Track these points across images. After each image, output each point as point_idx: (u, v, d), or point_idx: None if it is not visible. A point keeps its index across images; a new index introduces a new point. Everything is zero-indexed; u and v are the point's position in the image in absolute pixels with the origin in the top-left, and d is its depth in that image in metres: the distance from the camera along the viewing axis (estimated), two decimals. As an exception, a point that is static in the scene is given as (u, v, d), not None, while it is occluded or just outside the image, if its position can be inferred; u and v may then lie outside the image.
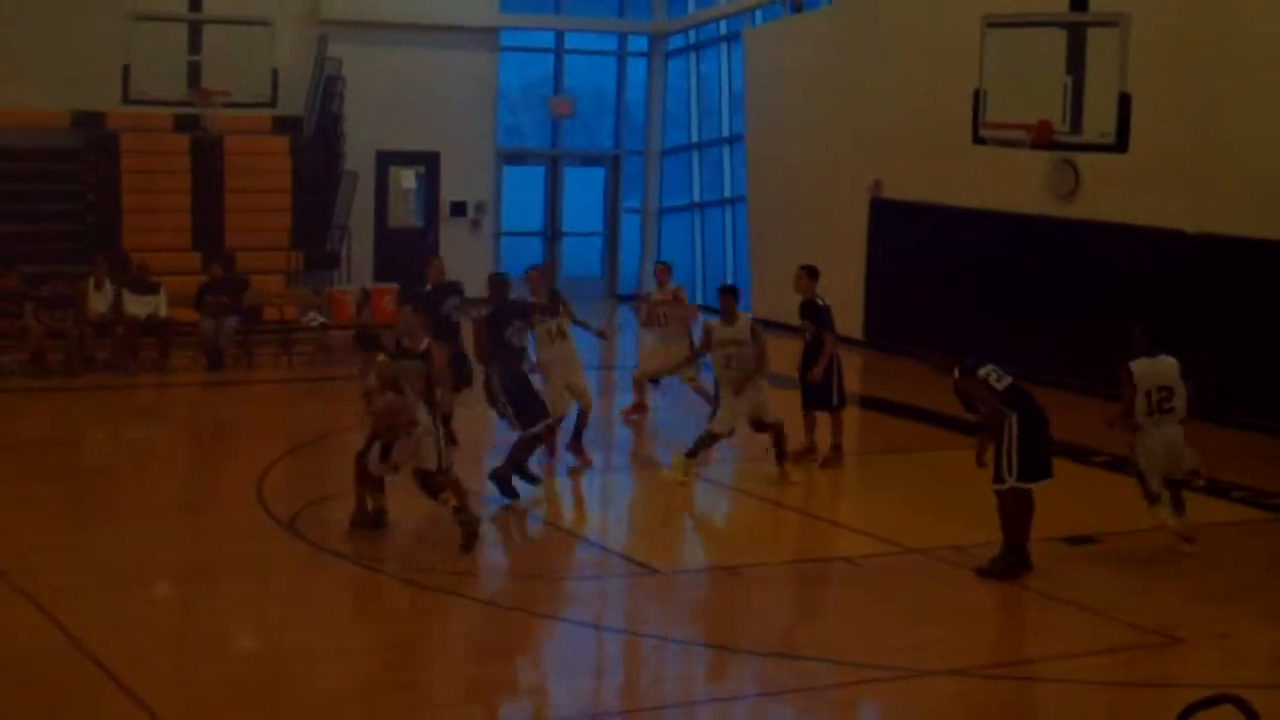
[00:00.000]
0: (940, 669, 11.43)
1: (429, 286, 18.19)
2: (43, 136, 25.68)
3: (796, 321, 17.67)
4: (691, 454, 16.38)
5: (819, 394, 17.28)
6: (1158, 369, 14.34)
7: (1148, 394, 14.26)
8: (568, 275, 31.12)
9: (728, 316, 16.61)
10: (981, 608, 13.23)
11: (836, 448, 17.22)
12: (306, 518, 14.55)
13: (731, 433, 16.62)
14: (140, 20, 23.20)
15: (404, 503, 14.30)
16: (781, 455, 16.51)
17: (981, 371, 13.64)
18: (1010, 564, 13.50)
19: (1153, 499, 14.38)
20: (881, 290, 25.49)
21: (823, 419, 17.40)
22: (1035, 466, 13.51)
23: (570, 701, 10.93)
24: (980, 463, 13.74)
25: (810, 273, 17.55)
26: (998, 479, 13.51)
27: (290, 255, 25.44)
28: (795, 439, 17.00)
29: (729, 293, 16.89)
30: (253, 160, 26.60)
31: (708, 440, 16.47)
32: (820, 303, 17.36)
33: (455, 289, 18.40)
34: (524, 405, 15.72)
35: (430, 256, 19.40)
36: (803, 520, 15.67)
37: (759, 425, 16.54)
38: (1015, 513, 13.53)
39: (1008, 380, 13.65)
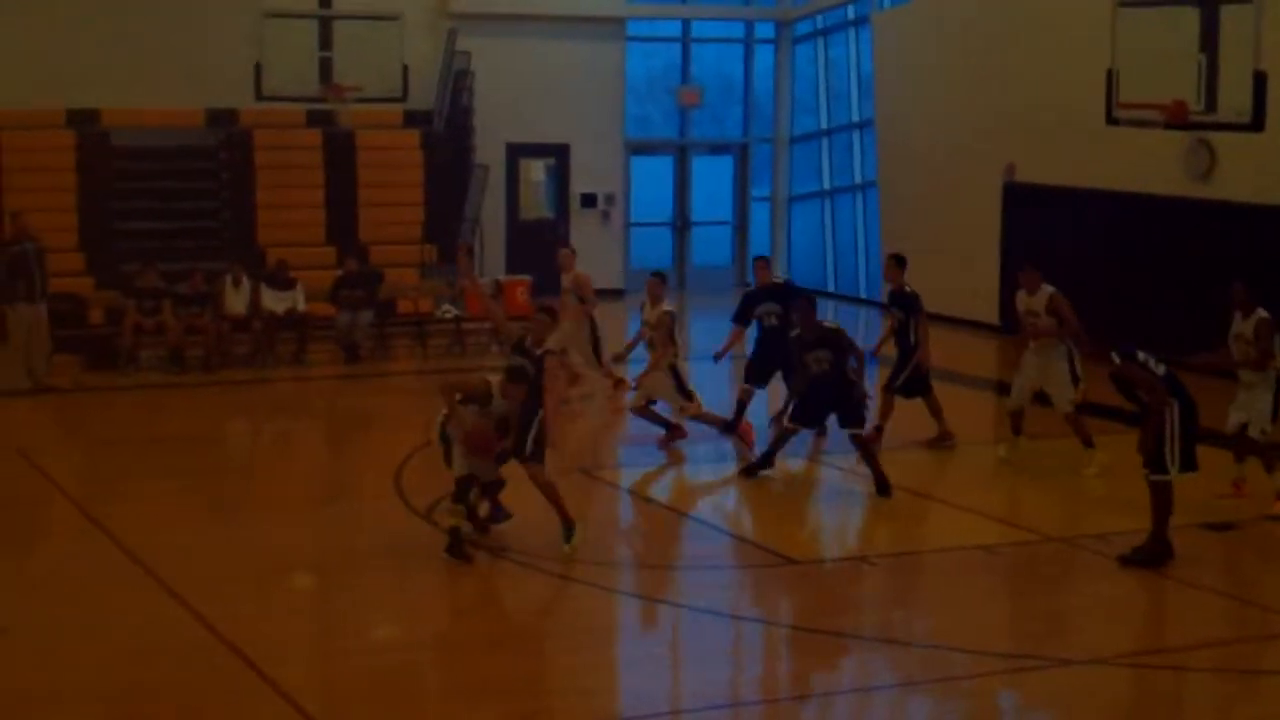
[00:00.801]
0: (1082, 658, 11.33)
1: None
2: (178, 135, 26.03)
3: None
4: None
5: (918, 381, 17.51)
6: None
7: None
8: (698, 264, 31.18)
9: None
10: (1123, 596, 13.08)
11: (878, 428, 17.30)
12: (441, 512, 14.63)
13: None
14: (272, 17, 23.53)
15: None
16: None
17: (1141, 357, 13.44)
18: (1155, 553, 13.32)
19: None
20: (1016, 274, 25.20)
21: (917, 404, 17.62)
22: (1191, 456, 13.32)
23: (707, 691, 10.93)
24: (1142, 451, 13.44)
25: (898, 261, 17.61)
26: (1159, 468, 13.25)
27: (423, 248, 25.62)
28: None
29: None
30: (385, 155, 26.82)
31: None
32: (908, 290, 17.53)
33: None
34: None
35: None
36: (939, 508, 15.56)
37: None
38: (1166, 502, 13.33)
39: (1163, 367, 13.46)
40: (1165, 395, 13.16)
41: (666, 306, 17.83)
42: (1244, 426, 14.98)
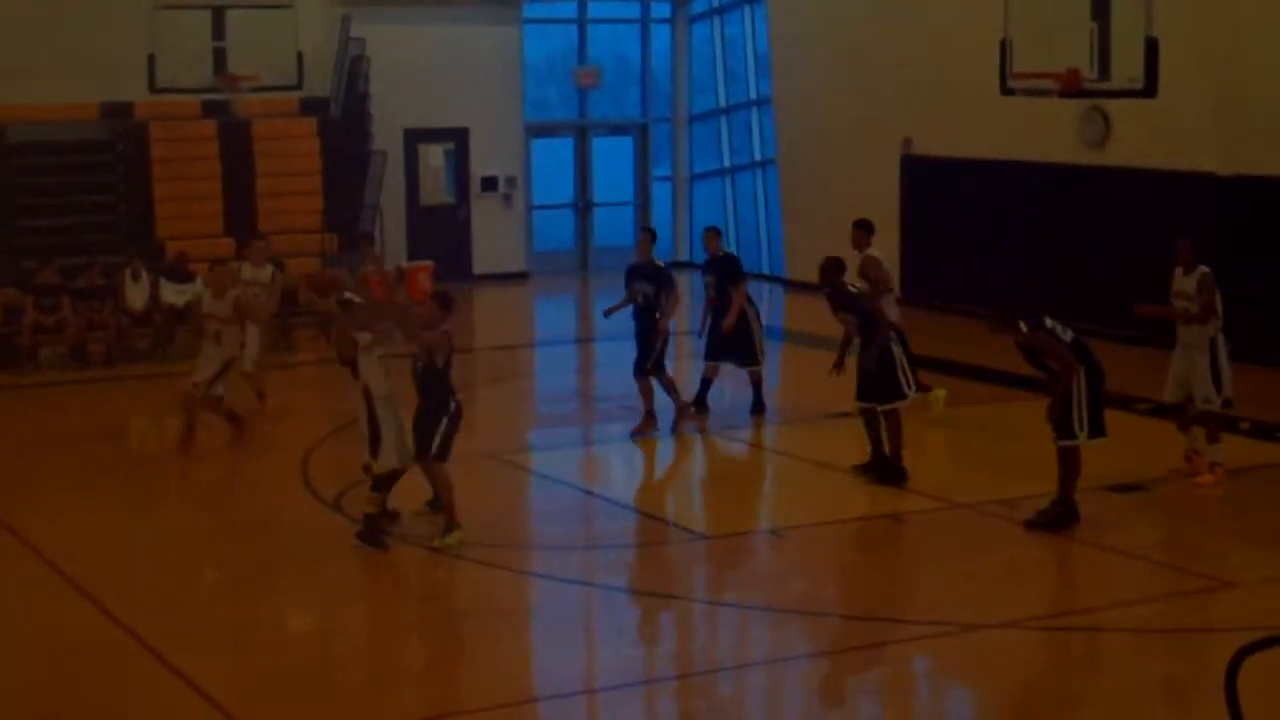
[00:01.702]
0: (993, 622, 11.43)
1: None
2: (73, 130, 25.69)
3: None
4: None
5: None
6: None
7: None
8: (601, 245, 31.14)
9: None
10: (1031, 560, 13.21)
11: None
12: (352, 497, 14.58)
13: None
14: (165, 9, 23.26)
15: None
16: None
17: (1048, 324, 13.55)
18: (1060, 516, 13.47)
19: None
20: (916, 247, 25.41)
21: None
22: (1099, 422, 13.46)
23: (623, 668, 10.96)
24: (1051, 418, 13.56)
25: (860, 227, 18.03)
26: (1067, 434, 13.38)
27: (324, 237, 25.47)
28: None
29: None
30: (282, 144, 26.61)
31: None
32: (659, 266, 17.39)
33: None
34: None
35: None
36: (846, 479, 15.64)
37: None
38: (1073, 467, 13.48)
39: (1070, 333, 13.58)
40: (1073, 362, 13.29)
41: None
42: (1189, 399, 15.03)
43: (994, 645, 11.15)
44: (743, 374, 17.90)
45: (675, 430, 16.91)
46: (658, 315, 16.84)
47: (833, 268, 15.41)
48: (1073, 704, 10.24)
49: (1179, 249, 15.15)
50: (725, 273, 17.64)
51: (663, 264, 17.22)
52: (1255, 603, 11.70)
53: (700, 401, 17.69)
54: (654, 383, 16.97)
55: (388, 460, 13.24)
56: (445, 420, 13.09)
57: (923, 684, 10.94)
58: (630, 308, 17.15)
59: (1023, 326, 13.44)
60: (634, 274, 17.25)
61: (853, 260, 16.91)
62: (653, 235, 17.62)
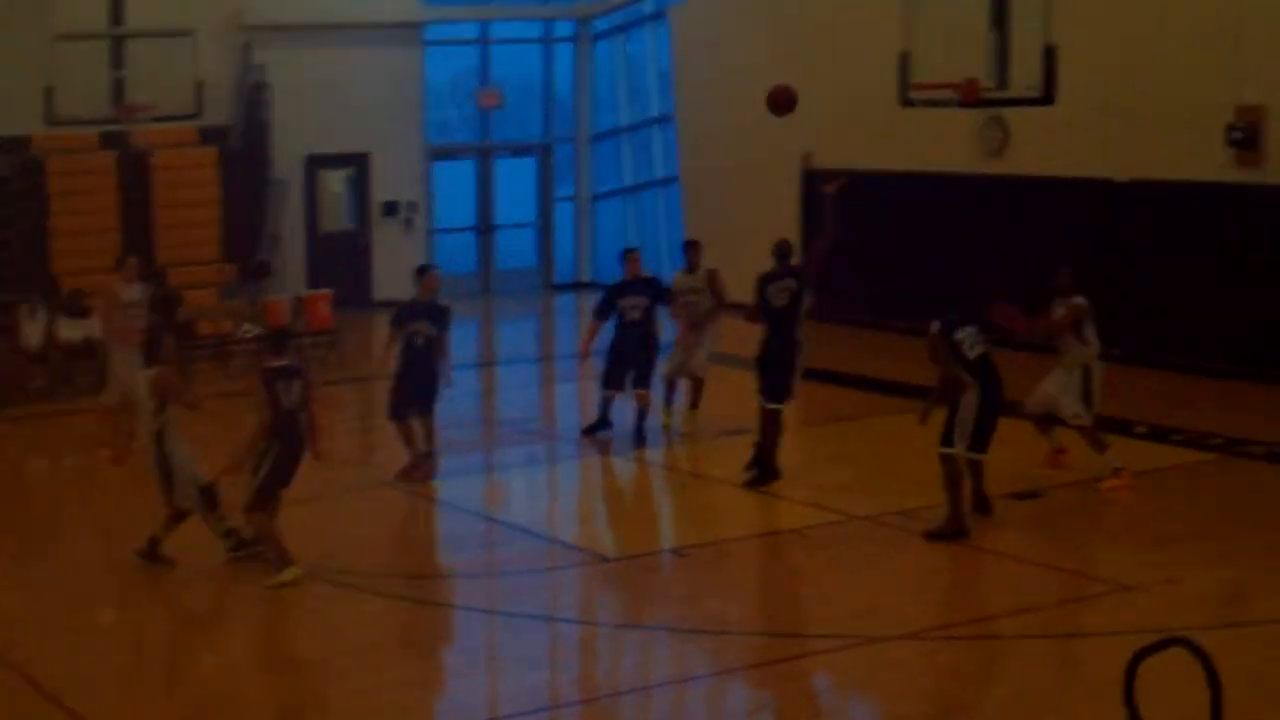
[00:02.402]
0: (895, 634, 11.43)
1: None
2: (-34, 164, 25.40)
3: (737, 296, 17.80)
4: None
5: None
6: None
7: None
8: (503, 267, 31.03)
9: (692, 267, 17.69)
10: (932, 570, 13.24)
11: None
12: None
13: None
14: (62, 40, 23.02)
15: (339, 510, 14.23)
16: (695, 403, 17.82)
17: (959, 334, 13.63)
18: (959, 526, 13.50)
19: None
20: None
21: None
22: (982, 440, 13.57)
23: (526, 695, 10.87)
24: (923, 421, 13.74)
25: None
26: (947, 442, 13.49)
27: (223, 267, 25.26)
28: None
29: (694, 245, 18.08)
30: (181, 174, 26.34)
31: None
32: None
33: None
34: None
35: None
36: (744, 495, 15.60)
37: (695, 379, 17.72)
38: (953, 477, 13.55)
39: (979, 350, 13.65)
40: (960, 376, 13.37)
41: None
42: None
43: (896, 657, 11.15)
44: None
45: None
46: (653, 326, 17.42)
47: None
48: (972, 712, 10.23)
49: (1060, 278, 15.39)
50: (656, 293, 17.60)
51: (652, 275, 17.41)
52: (1153, 606, 11.77)
53: (605, 424, 17.58)
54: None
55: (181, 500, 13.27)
56: (266, 465, 12.99)
57: (826, 699, 10.91)
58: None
59: (933, 327, 13.65)
60: (622, 291, 17.48)
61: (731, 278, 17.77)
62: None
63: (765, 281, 15.60)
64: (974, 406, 13.45)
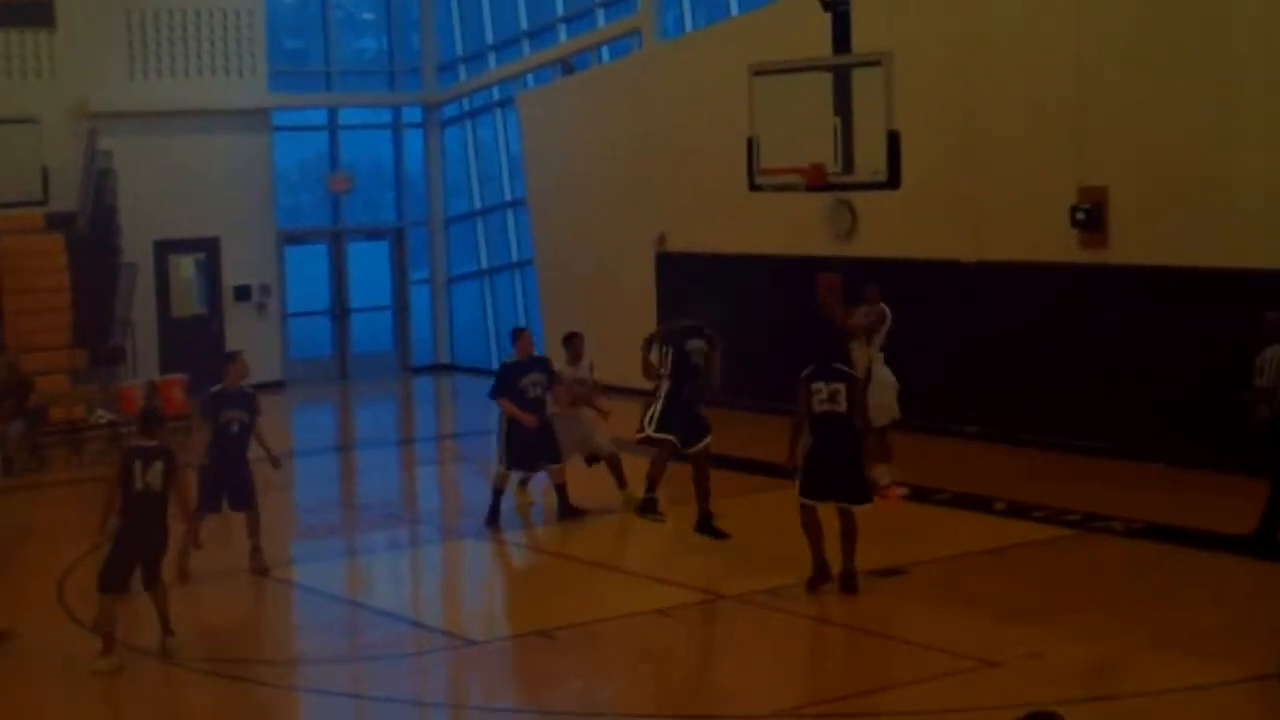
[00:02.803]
0: (762, 713, 11.47)
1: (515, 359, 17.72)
2: None
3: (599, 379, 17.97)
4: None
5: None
6: None
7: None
8: (359, 351, 30.92)
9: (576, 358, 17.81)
10: (798, 647, 13.33)
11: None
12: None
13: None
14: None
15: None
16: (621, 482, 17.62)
17: (815, 385, 14.23)
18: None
19: None
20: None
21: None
22: (815, 488, 14.23)
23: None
24: (789, 461, 14.46)
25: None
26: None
27: (73, 353, 24.93)
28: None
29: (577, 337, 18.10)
30: (28, 260, 26.00)
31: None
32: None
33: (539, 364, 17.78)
34: None
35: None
36: (609, 575, 15.64)
37: (591, 459, 17.66)
38: (805, 525, 14.27)
39: (825, 408, 14.16)
40: (801, 424, 14.38)
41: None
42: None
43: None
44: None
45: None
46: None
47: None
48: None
49: (869, 293, 17.85)
50: (549, 371, 17.53)
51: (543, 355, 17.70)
52: (1018, 680, 11.90)
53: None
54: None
55: None
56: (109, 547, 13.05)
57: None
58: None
59: (807, 369, 14.46)
60: (521, 370, 17.38)
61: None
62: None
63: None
64: (806, 458, 14.35)
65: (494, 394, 17.49)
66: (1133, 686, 11.91)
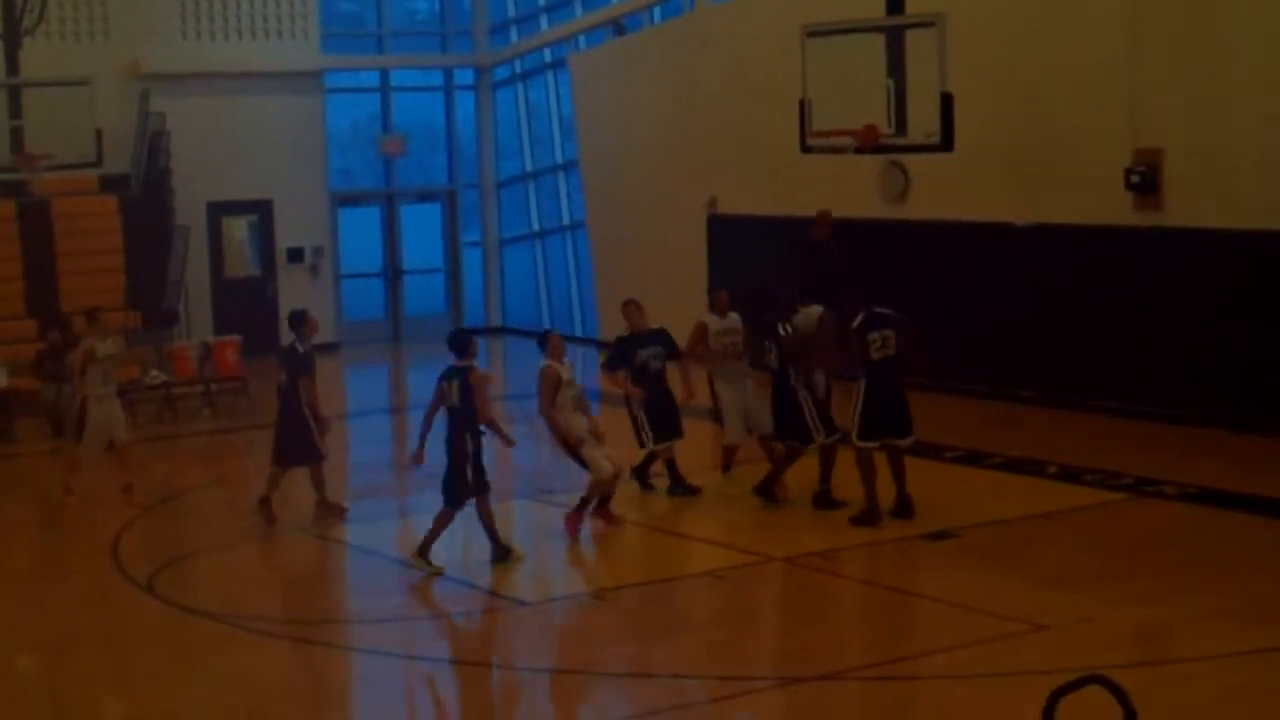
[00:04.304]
0: (811, 675, 11.50)
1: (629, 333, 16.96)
2: None
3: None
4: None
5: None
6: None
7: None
8: (411, 314, 31.00)
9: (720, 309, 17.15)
10: (849, 611, 13.34)
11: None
12: (164, 578, 14.36)
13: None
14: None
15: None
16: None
17: (870, 336, 15.18)
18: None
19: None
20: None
21: None
22: (874, 428, 15.16)
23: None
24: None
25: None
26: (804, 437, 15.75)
27: (127, 314, 25.09)
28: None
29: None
30: (82, 221, 26.24)
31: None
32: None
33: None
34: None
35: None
36: (662, 538, 15.68)
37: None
38: (862, 466, 15.20)
39: (881, 354, 15.16)
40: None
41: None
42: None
43: (814, 698, 11.22)
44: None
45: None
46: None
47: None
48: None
49: (718, 300, 16.95)
50: (669, 345, 16.85)
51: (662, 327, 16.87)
52: (1068, 644, 11.87)
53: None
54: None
55: None
56: None
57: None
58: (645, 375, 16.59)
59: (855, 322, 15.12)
60: (634, 343, 16.69)
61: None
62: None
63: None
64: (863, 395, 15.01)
65: (610, 367, 16.94)
66: (1184, 651, 11.86)
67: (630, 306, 17.01)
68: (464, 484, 14.53)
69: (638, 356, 16.60)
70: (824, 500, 15.77)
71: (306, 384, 16.32)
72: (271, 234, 29.19)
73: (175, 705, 11.76)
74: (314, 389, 16.44)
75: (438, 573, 14.33)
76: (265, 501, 16.23)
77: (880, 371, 15.02)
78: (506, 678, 12.26)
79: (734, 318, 16.96)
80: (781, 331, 15.94)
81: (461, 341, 14.99)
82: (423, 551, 14.51)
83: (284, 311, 28.63)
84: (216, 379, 23.26)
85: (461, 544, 16.49)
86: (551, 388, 15.19)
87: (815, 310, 16.47)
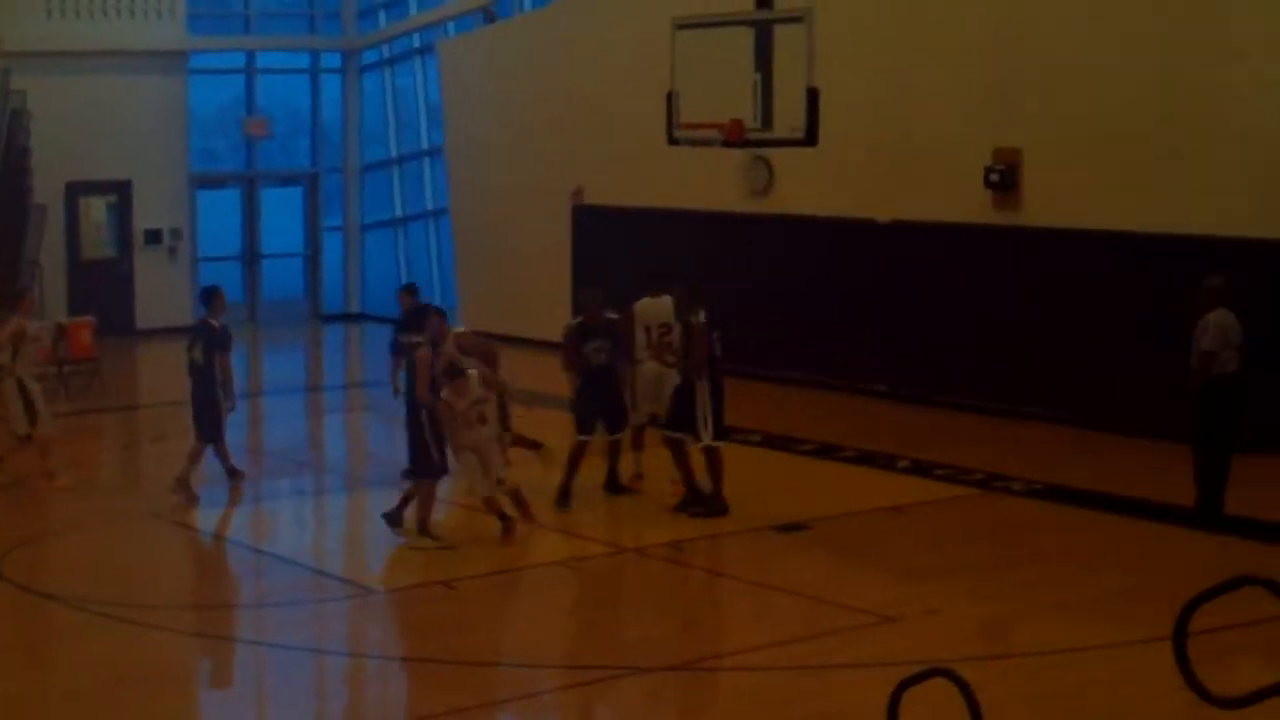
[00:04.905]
0: (662, 665, 11.51)
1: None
2: None
3: (502, 333, 17.59)
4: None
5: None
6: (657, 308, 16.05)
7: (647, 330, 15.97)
8: (269, 298, 30.73)
9: None
10: (699, 602, 13.38)
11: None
12: (12, 561, 14.13)
13: None
14: None
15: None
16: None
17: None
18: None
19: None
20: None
21: None
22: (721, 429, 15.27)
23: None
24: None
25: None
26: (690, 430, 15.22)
27: (-19, 294, 24.66)
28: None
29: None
30: (-64, 199, 25.77)
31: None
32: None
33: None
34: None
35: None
36: (520, 527, 15.65)
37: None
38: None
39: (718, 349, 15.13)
40: (703, 365, 15.10)
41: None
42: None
43: (662, 687, 11.24)
44: None
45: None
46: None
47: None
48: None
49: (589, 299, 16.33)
50: (617, 337, 16.29)
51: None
52: (915, 636, 12.00)
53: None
54: None
55: None
56: None
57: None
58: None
59: (700, 316, 14.92)
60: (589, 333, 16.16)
61: (499, 316, 16.95)
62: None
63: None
64: (708, 400, 14.93)
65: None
66: (1028, 645, 12.00)
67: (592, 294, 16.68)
68: (429, 457, 14.58)
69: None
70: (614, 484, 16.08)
71: (223, 359, 16.30)
72: (130, 215, 28.81)
73: (20, 688, 11.57)
74: (229, 365, 16.40)
75: (449, 548, 14.40)
76: (183, 482, 16.12)
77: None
78: (355, 665, 12.18)
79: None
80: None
81: (415, 317, 15.40)
82: (422, 530, 14.56)
83: (140, 294, 28.54)
84: (70, 360, 22.90)
85: (312, 530, 16.42)
86: (425, 371, 14.87)
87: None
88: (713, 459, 15.23)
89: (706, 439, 15.17)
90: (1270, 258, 17.57)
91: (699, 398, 15.17)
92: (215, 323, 16.46)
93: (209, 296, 16.71)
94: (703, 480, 15.30)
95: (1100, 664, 11.37)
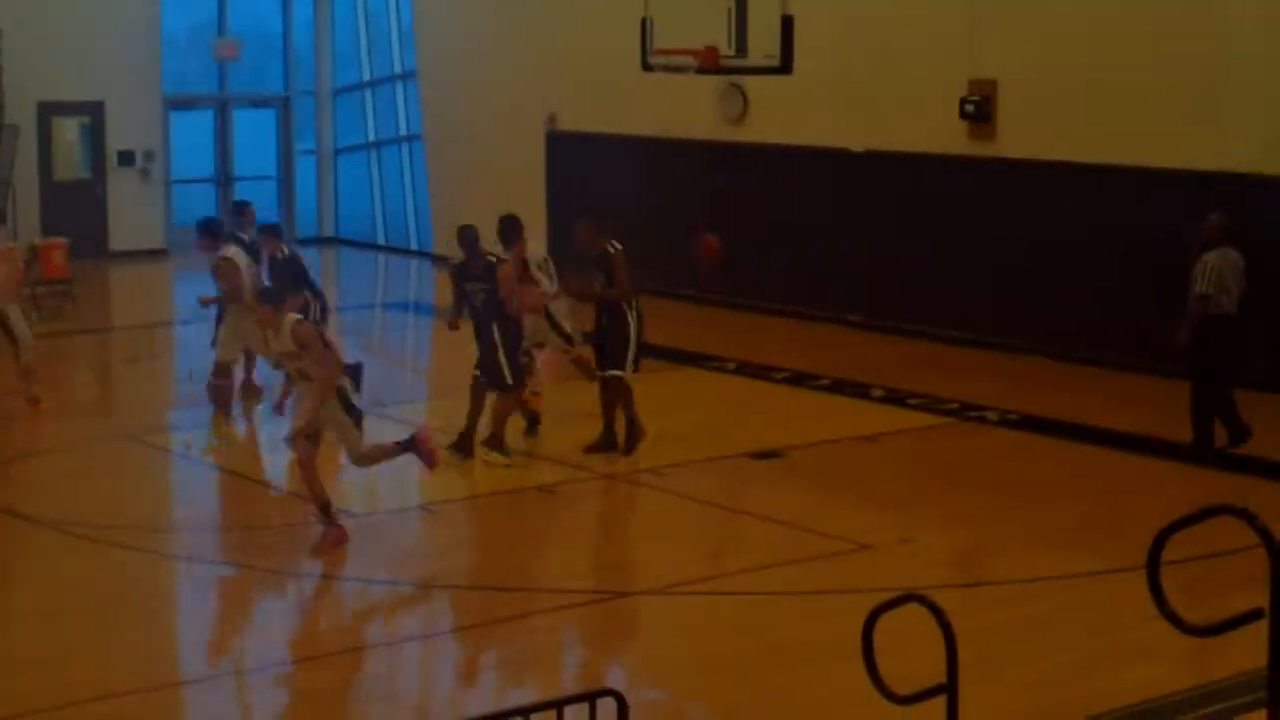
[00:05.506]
0: (639, 589, 11.61)
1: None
2: None
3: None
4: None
5: None
6: None
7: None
8: (244, 221, 30.59)
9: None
10: (676, 527, 13.46)
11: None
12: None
13: None
14: None
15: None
16: None
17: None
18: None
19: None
20: (563, 224, 25.56)
21: None
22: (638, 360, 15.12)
23: (269, 651, 10.88)
24: None
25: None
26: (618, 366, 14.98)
27: (-48, 214, 24.56)
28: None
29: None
30: (-95, 119, 25.61)
31: None
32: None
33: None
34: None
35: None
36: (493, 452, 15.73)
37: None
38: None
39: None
40: (629, 292, 14.98)
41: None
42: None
43: (640, 611, 11.36)
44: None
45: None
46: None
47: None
48: (713, 667, 10.42)
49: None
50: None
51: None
52: (889, 564, 12.12)
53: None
54: None
55: None
56: None
57: (574, 652, 11.03)
58: None
59: (614, 245, 14.92)
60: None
61: None
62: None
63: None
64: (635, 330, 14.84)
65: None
66: (1000, 574, 12.14)
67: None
68: (502, 372, 14.83)
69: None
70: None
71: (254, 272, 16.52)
72: (103, 136, 28.66)
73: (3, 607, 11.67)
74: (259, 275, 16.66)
75: (508, 464, 14.72)
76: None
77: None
78: (332, 588, 12.25)
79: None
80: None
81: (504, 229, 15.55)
82: (495, 444, 14.82)
83: (113, 215, 28.44)
84: (43, 281, 22.83)
85: (286, 453, 16.42)
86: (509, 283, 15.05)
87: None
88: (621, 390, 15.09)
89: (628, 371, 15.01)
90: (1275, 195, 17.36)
91: (631, 327, 15.02)
92: (245, 236, 16.85)
93: (240, 209, 17.50)
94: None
95: (1073, 592, 11.50)
